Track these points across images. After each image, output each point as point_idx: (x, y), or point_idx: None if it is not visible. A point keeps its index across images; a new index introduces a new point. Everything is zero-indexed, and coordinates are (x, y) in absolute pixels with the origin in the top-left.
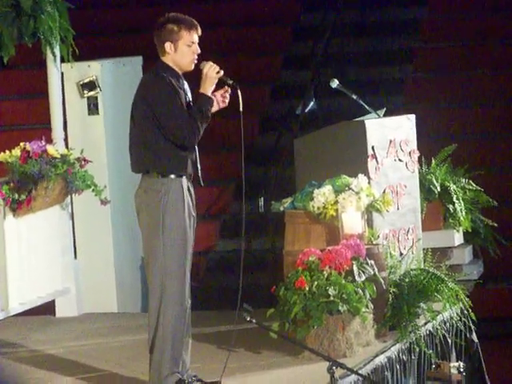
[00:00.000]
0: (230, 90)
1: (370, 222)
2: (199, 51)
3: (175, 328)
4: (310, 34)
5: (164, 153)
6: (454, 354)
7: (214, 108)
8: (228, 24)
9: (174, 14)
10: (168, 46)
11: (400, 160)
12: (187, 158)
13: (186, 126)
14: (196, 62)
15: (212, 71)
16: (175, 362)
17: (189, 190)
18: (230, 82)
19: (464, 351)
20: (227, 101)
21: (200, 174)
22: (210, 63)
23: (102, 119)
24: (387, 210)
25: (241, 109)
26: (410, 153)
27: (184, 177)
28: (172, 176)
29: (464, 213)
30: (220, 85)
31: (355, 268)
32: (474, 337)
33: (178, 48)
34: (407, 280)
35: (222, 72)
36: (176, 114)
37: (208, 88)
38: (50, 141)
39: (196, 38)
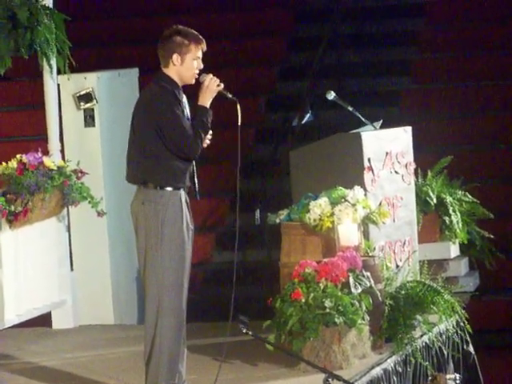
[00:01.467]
0: (210, 135)
1: (366, 234)
2: (202, 66)
3: (172, 340)
4: (306, 45)
5: (163, 165)
6: (451, 365)
7: None
8: (224, 36)
9: (182, 27)
10: (175, 57)
11: (396, 172)
12: (186, 171)
13: (189, 138)
14: (197, 76)
15: (213, 84)
16: (171, 374)
17: (186, 202)
18: (230, 96)
19: (461, 363)
20: (208, 142)
21: (197, 188)
22: (211, 76)
23: (99, 131)
24: (383, 222)
25: (239, 123)
26: (406, 165)
27: (182, 189)
28: (170, 188)
29: (460, 225)
30: (219, 98)
31: (351, 280)
32: (471, 348)
33: (185, 61)
34: (403, 292)
35: (222, 85)
36: (180, 126)
37: (207, 100)
38: (46, 153)
39: (201, 54)
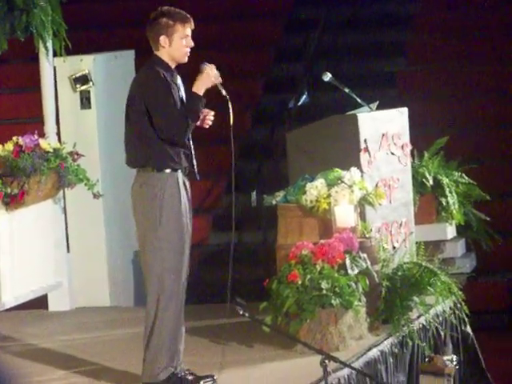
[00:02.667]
0: (212, 116)
1: (362, 216)
2: (192, 44)
3: (173, 322)
4: (303, 27)
5: (159, 147)
6: (450, 346)
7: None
8: (220, 17)
9: (167, 8)
10: (163, 39)
11: (392, 153)
12: (182, 153)
13: (176, 124)
14: (188, 54)
15: (212, 76)
16: (170, 357)
17: (184, 184)
18: (224, 92)
19: (460, 344)
20: (210, 123)
21: (195, 169)
22: (213, 67)
23: (95, 113)
24: (380, 204)
25: (231, 123)
26: (402, 146)
27: (179, 171)
28: (167, 170)
29: (457, 206)
30: (212, 90)
31: (348, 261)
32: (469, 329)
33: (173, 41)
34: (400, 273)
35: (220, 80)
36: (168, 111)
37: (202, 88)
38: (42, 135)
39: (190, 32)
